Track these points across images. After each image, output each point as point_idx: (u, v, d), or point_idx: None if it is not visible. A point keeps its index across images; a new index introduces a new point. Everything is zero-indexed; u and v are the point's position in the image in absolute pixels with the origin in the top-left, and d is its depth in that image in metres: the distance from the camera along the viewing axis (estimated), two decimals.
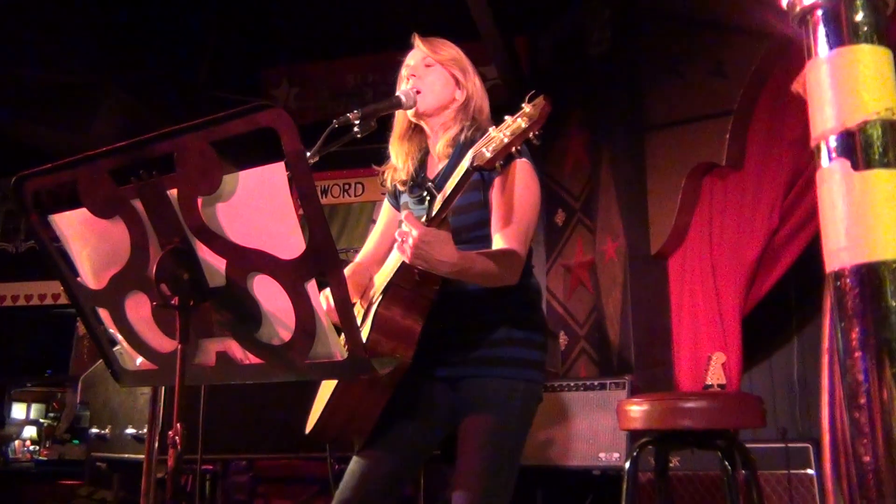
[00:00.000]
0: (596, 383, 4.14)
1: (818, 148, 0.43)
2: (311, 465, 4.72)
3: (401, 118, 2.24)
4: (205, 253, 1.34)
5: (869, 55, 0.42)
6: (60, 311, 6.76)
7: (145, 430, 3.28)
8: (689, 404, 2.50)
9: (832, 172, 0.41)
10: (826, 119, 0.41)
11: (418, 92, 2.11)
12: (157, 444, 2.15)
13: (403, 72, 2.20)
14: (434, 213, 1.81)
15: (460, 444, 1.98)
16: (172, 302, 1.34)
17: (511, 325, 2.02)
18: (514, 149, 1.66)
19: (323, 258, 1.24)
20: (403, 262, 1.86)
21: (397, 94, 2.15)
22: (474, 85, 2.17)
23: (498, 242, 1.94)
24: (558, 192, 5.60)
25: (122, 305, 1.47)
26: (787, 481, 3.44)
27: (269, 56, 6.52)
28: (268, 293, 1.32)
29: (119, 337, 1.52)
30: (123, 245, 1.41)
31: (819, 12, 0.45)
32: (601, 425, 4.01)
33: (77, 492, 4.93)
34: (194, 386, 2.70)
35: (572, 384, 4.21)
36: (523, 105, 1.65)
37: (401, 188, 2.26)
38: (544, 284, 5.48)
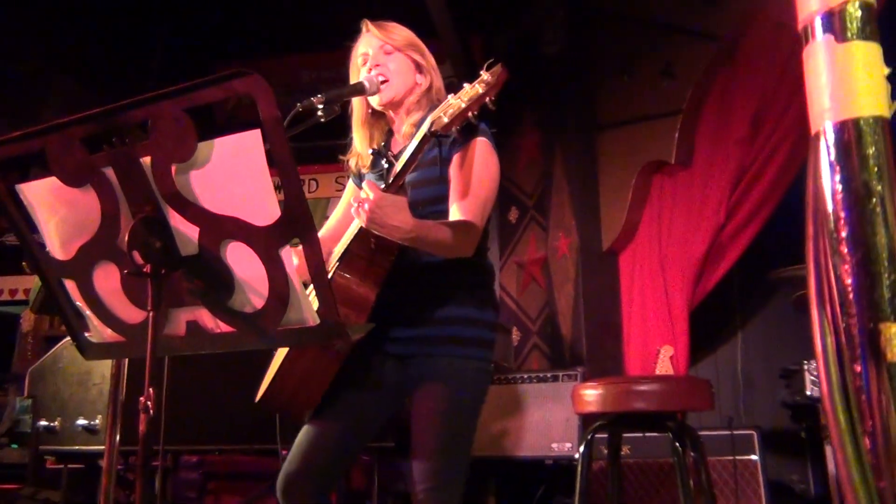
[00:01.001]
0: (549, 375, 4.22)
1: (805, 29, 0.50)
2: (262, 461, 4.69)
3: (359, 104, 2.25)
4: (177, 221, 1.36)
5: None
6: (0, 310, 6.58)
7: (97, 420, 3.23)
8: (642, 387, 2.58)
9: (818, 46, 0.48)
10: (812, 2, 0.48)
11: (385, 81, 2.14)
12: (118, 435, 2.14)
13: (359, 60, 2.22)
14: (392, 179, 1.84)
15: (414, 424, 1.99)
16: (144, 270, 1.35)
17: (464, 304, 2.05)
18: (471, 114, 1.70)
19: (298, 224, 1.27)
20: (360, 230, 1.90)
21: (361, 80, 2.16)
22: (432, 66, 2.21)
23: (455, 214, 1.97)
24: (511, 190, 5.67)
25: (90, 276, 1.47)
26: (732, 466, 3.56)
27: (221, 50, 6.46)
28: (241, 260, 1.33)
29: (86, 309, 1.52)
30: (93, 214, 1.41)
31: None
32: (554, 416, 4.08)
33: (20, 493, 4.81)
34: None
35: (525, 376, 4.28)
36: (481, 73, 1.70)
37: (365, 171, 2.28)
38: (497, 280, 5.55)
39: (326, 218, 2.43)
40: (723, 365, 4.94)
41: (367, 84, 2.15)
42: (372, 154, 2.19)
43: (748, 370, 4.84)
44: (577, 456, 2.85)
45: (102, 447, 3.17)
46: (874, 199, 0.48)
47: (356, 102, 2.26)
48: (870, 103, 0.49)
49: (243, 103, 6.29)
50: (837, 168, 0.49)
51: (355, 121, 2.26)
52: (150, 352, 1.33)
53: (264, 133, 1.23)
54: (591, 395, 2.68)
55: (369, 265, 1.93)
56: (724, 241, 4.41)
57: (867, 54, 0.49)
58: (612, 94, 4.82)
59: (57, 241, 1.47)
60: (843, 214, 0.48)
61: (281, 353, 2.05)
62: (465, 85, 1.72)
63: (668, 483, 3.65)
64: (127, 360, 2.13)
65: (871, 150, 0.48)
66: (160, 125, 1.28)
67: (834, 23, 0.49)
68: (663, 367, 4.49)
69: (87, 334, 1.57)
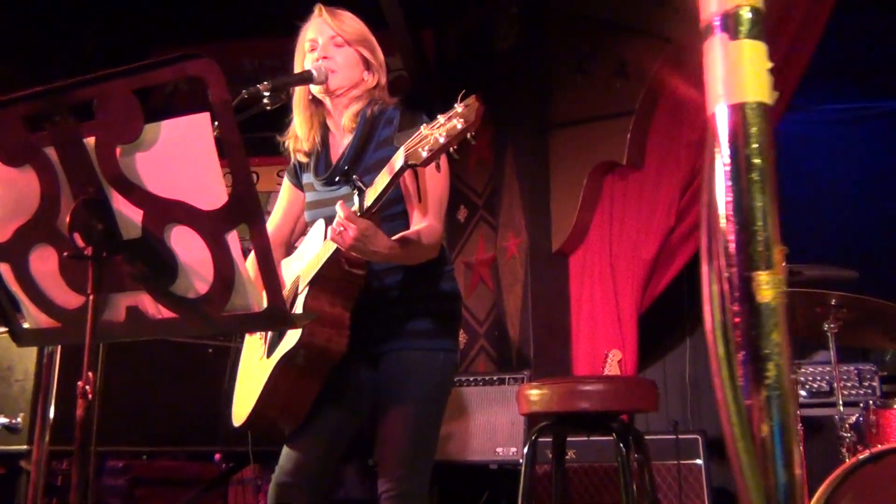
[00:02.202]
0: (495, 378, 4.32)
1: (706, 27, 0.61)
2: (192, 466, 4.68)
3: (300, 92, 2.32)
4: (120, 204, 1.40)
5: None
6: None
7: (19, 419, 3.21)
8: (587, 387, 2.68)
9: (715, 42, 0.59)
10: (712, 4, 0.59)
11: (331, 71, 2.21)
12: (48, 432, 2.14)
13: (306, 45, 2.28)
14: (366, 207, 1.93)
15: (383, 414, 2.12)
16: (85, 252, 1.39)
17: (427, 299, 2.18)
18: (451, 150, 1.76)
19: (246, 208, 1.32)
20: (332, 256, 2.01)
21: (309, 68, 2.23)
22: (380, 62, 2.29)
23: (417, 219, 2.10)
24: (461, 189, 5.76)
25: (26, 259, 1.50)
26: (676, 471, 3.70)
27: (158, 34, 6.41)
28: (186, 244, 1.38)
29: (21, 293, 1.55)
30: (32, 195, 1.44)
31: None
32: (499, 420, 4.18)
33: None
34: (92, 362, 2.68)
35: (471, 379, 4.37)
36: (456, 105, 1.75)
37: (302, 159, 2.35)
38: None
39: (268, 213, 2.48)
40: (671, 369, 5.10)
41: (314, 73, 2.22)
42: (320, 155, 2.31)
43: (697, 375, 5.01)
44: (524, 451, 2.95)
45: (24, 447, 3.15)
46: (754, 171, 0.59)
47: (298, 91, 2.33)
48: (754, 91, 0.61)
49: (180, 90, 6.25)
50: (727, 144, 0.61)
51: (296, 103, 2.33)
52: (90, 336, 1.37)
53: (213, 116, 1.29)
54: (536, 395, 2.77)
55: (341, 284, 2.06)
56: (674, 244, 4.56)
57: (754, 51, 0.61)
58: (566, 93, 4.95)
59: None
60: (729, 183, 0.59)
61: (249, 372, 2.15)
62: (440, 117, 1.77)
63: (613, 487, 3.78)
64: (58, 353, 2.14)
65: (753, 130, 0.60)
66: (107, 105, 1.33)
67: (728, 23, 0.60)
68: (611, 370, 4.61)
69: (21, 321, 1.60)
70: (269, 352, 2.10)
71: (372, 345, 2.18)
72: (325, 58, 2.22)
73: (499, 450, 4.13)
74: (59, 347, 2.11)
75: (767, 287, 0.58)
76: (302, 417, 2.10)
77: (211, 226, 1.34)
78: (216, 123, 1.31)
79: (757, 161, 0.61)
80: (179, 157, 1.34)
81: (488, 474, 4.22)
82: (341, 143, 2.28)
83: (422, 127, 1.79)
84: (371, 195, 1.93)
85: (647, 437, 3.22)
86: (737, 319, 0.57)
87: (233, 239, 1.35)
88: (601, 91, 4.69)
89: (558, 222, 4.99)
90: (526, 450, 2.88)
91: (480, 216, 5.60)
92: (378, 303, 2.16)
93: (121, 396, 3.26)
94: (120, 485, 4.66)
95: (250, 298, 1.38)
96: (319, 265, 2.05)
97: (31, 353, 3.08)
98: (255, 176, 6.25)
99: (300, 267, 2.19)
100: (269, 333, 2.18)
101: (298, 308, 2.03)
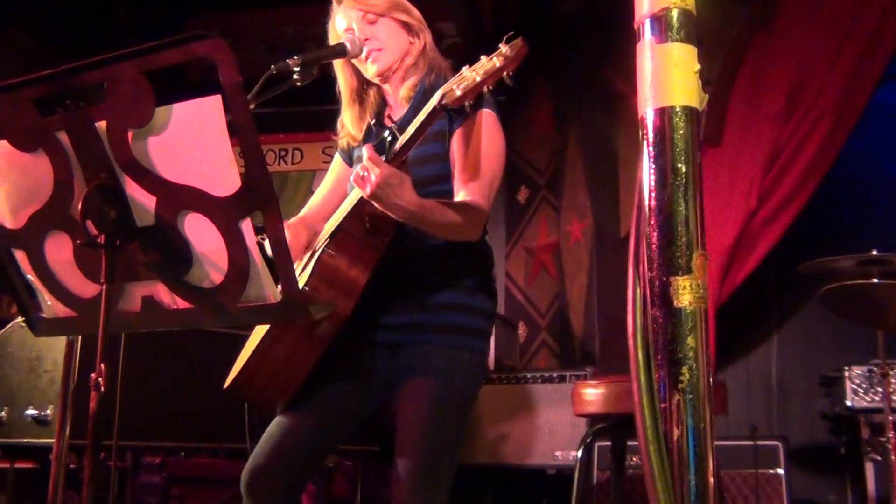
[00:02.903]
0: (555, 375, 4.35)
1: (638, 28, 0.65)
2: (230, 464, 4.83)
3: (348, 80, 2.35)
4: (133, 190, 1.48)
5: None
6: None
7: (49, 411, 3.38)
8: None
9: (645, 44, 0.63)
10: (643, 6, 0.63)
11: (379, 50, 2.23)
12: (68, 426, 2.27)
13: (336, 35, 2.31)
14: (396, 151, 1.95)
15: (400, 415, 2.10)
16: (98, 241, 1.48)
17: (461, 290, 2.17)
18: (486, 88, 1.80)
19: (259, 195, 1.39)
20: (355, 209, 2.02)
21: (342, 41, 2.27)
22: (420, 21, 2.30)
23: (460, 195, 2.08)
24: (521, 167, 5.78)
25: (41, 246, 1.60)
26: (754, 480, 3.69)
27: (195, 2, 6.58)
28: (199, 233, 1.46)
29: (36, 281, 1.66)
30: (46, 181, 1.54)
31: None
32: (559, 421, 4.22)
33: None
34: (111, 352, 2.81)
35: (529, 376, 4.42)
36: (500, 45, 1.80)
37: (354, 145, 2.39)
38: (503, 269, 5.68)
39: (312, 193, 2.54)
40: (755, 368, 5.06)
41: (348, 46, 2.24)
42: (374, 125, 2.30)
43: (783, 376, 4.97)
44: (578, 454, 2.97)
45: (55, 440, 3.33)
46: (677, 176, 0.63)
47: (342, 78, 2.36)
48: (681, 95, 0.64)
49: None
50: (652, 148, 0.64)
51: (344, 98, 2.36)
52: (103, 326, 1.46)
53: (225, 100, 1.36)
54: (592, 394, 2.80)
55: (362, 246, 2.05)
56: (756, 229, 4.52)
57: (682, 54, 0.64)
58: (635, 60, 4.92)
59: (7, 208, 1.60)
60: (653, 188, 0.63)
61: (256, 335, 2.17)
62: (482, 57, 1.82)
63: None
64: (79, 343, 2.27)
65: (678, 134, 0.63)
66: (117, 88, 1.41)
67: (657, 25, 0.64)
68: None
69: (38, 310, 1.71)
70: None
71: (391, 332, 2.17)
72: (366, 39, 2.24)
73: (558, 454, 4.18)
74: (81, 337, 2.24)
75: (685, 292, 0.61)
76: (294, 390, 2.08)
77: (224, 213, 1.42)
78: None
79: (681, 166, 0.65)
80: (191, 141, 1.42)
81: (546, 480, 4.26)
82: (398, 114, 2.29)
83: (464, 68, 1.84)
84: (402, 139, 1.94)
85: (721, 444, 3.23)
86: (654, 325, 0.60)
87: (247, 227, 1.42)
88: None
89: (627, 204, 4.98)
90: (580, 454, 2.91)
91: (542, 197, 5.63)
92: (403, 287, 2.16)
93: (152, 390, 3.41)
94: (156, 482, 4.86)
95: (266, 289, 1.46)
96: (342, 216, 2.06)
97: (60, 342, 3.23)
98: (297, 153, 6.37)
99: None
100: None
101: (311, 264, 2.04)
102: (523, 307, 5.59)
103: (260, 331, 2.15)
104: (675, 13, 0.66)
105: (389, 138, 2.00)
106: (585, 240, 5.07)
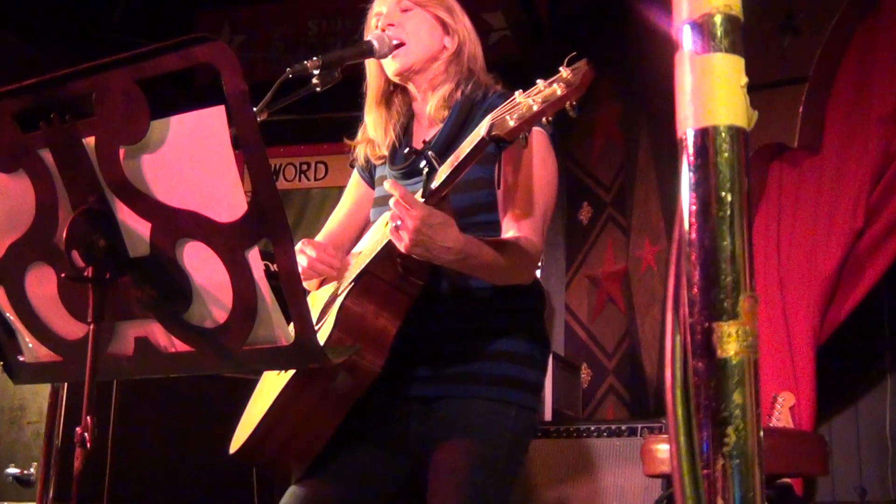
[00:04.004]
0: (624, 427, 4.31)
1: (677, 35, 0.65)
2: None
3: (375, 79, 2.38)
4: (126, 215, 1.51)
5: None
6: None
7: (33, 470, 3.43)
8: None
9: (684, 55, 0.63)
10: (682, 11, 0.63)
11: (400, 44, 2.25)
12: (52, 487, 2.30)
13: (372, 21, 2.34)
14: (435, 186, 1.94)
15: (432, 480, 2.12)
16: (85, 274, 1.51)
17: (507, 336, 2.18)
18: (544, 119, 1.79)
19: (268, 221, 1.41)
20: (384, 249, 2.02)
21: (368, 38, 2.30)
22: (465, 27, 2.33)
23: (509, 229, 2.10)
24: (583, 182, 5.78)
25: (21, 280, 1.64)
26: None
27: None
28: (201, 264, 1.49)
29: (16, 320, 1.69)
30: (27, 206, 1.57)
31: None
32: (630, 482, 4.17)
33: None
34: (102, 400, 2.84)
35: (593, 428, 4.38)
36: (561, 69, 1.78)
37: (376, 162, 2.41)
38: (562, 301, 5.66)
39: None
40: (866, 419, 4.97)
41: (375, 44, 2.27)
42: (401, 145, 2.32)
43: None
44: None
45: None
46: (722, 207, 0.63)
47: (371, 75, 2.39)
48: (726, 113, 0.64)
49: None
50: (693, 174, 0.65)
51: (370, 99, 2.39)
52: (90, 372, 1.49)
53: (229, 111, 1.38)
54: (665, 451, 2.78)
55: (392, 291, 2.07)
56: (863, 252, 4.45)
57: (726, 66, 0.64)
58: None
59: None
60: (694, 219, 0.63)
61: (265, 387, 2.19)
62: (539, 82, 1.81)
63: None
64: (65, 391, 2.30)
65: (723, 158, 0.63)
66: (107, 99, 1.45)
67: (697, 34, 0.64)
68: (781, 420, 4.54)
69: (18, 355, 1.74)
70: None
71: (422, 386, 2.18)
72: (390, 25, 2.26)
73: None
74: (67, 385, 2.27)
75: (730, 340, 0.61)
76: (314, 454, 2.11)
77: (228, 241, 1.44)
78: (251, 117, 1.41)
79: (725, 195, 0.65)
80: (191, 159, 1.45)
81: None
82: (428, 131, 2.32)
83: (516, 93, 1.82)
84: (442, 174, 1.94)
85: None
86: (696, 379, 0.60)
87: (254, 257, 1.44)
88: (764, 52, 4.63)
89: None
90: None
91: (608, 216, 5.61)
92: (440, 333, 2.17)
93: (149, 444, 3.44)
94: None
95: (276, 329, 1.47)
96: (370, 257, 2.07)
97: (45, 389, 3.29)
98: (322, 167, 6.42)
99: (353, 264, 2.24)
100: None
101: (333, 311, 2.05)
102: (586, 346, 5.57)
103: (269, 381, 2.17)
104: (718, 19, 0.66)
105: (427, 168, 1.98)
106: (659, 267, 5.04)
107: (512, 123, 1.77)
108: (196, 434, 3.53)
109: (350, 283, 2.10)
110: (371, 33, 2.31)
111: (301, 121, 5.54)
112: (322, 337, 2.01)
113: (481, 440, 2.11)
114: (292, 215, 6.44)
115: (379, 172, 2.40)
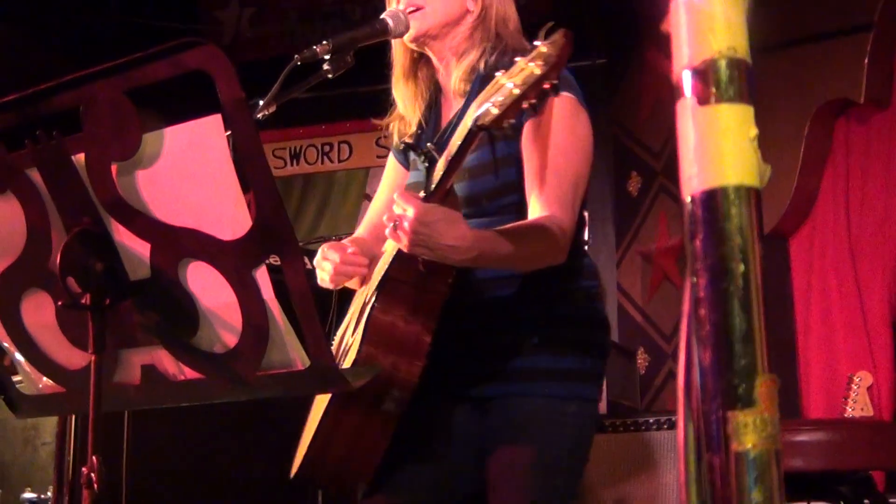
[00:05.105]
0: None
1: (678, 82, 0.63)
2: None
3: (401, 51, 2.35)
4: (123, 236, 1.52)
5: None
6: None
7: (50, 493, 3.48)
8: (802, 437, 2.65)
9: (684, 106, 0.61)
10: (682, 56, 0.60)
11: (417, 8, 2.22)
12: None
13: None
14: (434, 184, 1.94)
15: (491, 484, 2.14)
16: (83, 301, 1.52)
17: (560, 324, 2.18)
18: (527, 104, 1.76)
19: (274, 237, 1.41)
20: (401, 250, 2.00)
21: (382, 17, 2.28)
22: None
23: (534, 208, 2.07)
24: (631, 149, 5.72)
25: (16, 308, 1.65)
26: None
27: None
28: (206, 286, 1.49)
29: (14, 351, 1.71)
30: (17, 229, 1.58)
31: None
32: None
33: None
34: (114, 424, 2.87)
35: (652, 420, 4.35)
36: (537, 42, 1.76)
37: (409, 140, 2.41)
38: (614, 281, 5.63)
39: (367, 197, 2.55)
40: None
41: (390, 22, 2.25)
42: (404, 147, 2.33)
43: None
44: None
45: None
46: (733, 280, 0.61)
47: (397, 49, 2.37)
48: (734, 171, 0.62)
49: (241, 36, 6.49)
50: (700, 242, 0.62)
51: (395, 73, 2.38)
52: (94, 408, 1.50)
53: (225, 119, 1.38)
54: None
55: (419, 293, 2.06)
56: None
57: (733, 117, 0.61)
58: (771, 3, 4.83)
59: None
60: (702, 294, 0.61)
61: (315, 407, 2.22)
62: (518, 59, 1.80)
63: None
64: (73, 418, 2.32)
65: (732, 225, 0.61)
66: (94, 113, 1.45)
67: (700, 82, 0.61)
68: (858, 402, 4.49)
69: (17, 384, 1.76)
70: None
71: (475, 385, 2.19)
72: None
73: None
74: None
75: (747, 431, 0.59)
76: (372, 469, 2.12)
77: (233, 261, 1.44)
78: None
79: (736, 266, 0.63)
80: (188, 172, 1.45)
81: None
82: (454, 106, 2.30)
83: (498, 73, 1.80)
84: (439, 170, 1.93)
85: None
86: (711, 474, 0.59)
87: (262, 277, 1.44)
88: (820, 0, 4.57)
89: (770, 190, 4.89)
90: None
91: (660, 186, 5.56)
92: (483, 327, 2.18)
93: (173, 467, 3.46)
94: None
95: (290, 353, 1.47)
96: (390, 259, 2.08)
97: None
98: (345, 147, 6.41)
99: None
100: (343, 346, 2.25)
101: (361, 325, 2.06)
102: (642, 329, 5.53)
103: (319, 399, 2.21)
104: (722, 64, 0.64)
105: (426, 164, 1.99)
106: None
107: (495, 111, 1.75)
108: (219, 452, 3.54)
109: (374, 290, 2.10)
110: (388, 9, 2.29)
111: (320, 98, 5.52)
112: (352, 353, 2.04)
113: (541, 440, 2.12)
114: (316, 200, 6.44)
115: (413, 156, 2.39)
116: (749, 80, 0.69)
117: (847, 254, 4.64)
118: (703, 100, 0.65)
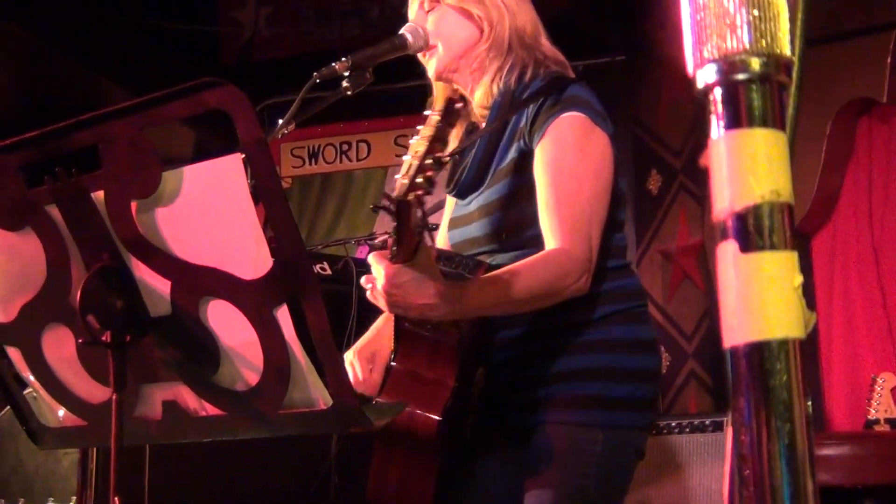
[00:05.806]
0: (708, 422, 4.25)
1: (719, 226, 0.61)
2: None
3: (439, 87, 2.35)
4: (143, 273, 1.51)
5: (761, 139, 0.60)
6: None
7: None
8: (828, 451, 2.62)
9: (725, 253, 0.59)
10: (723, 199, 0.59)
11: (431, 47, 2.23)
12: None
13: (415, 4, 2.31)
14: (395, 247, 1.88)
15: None
16: (103, 338, 1.51)
17: (590, 348, 2.16)
18: (428, 172, 1.76)
19: (295, 276, 1.40)
20: None
21: (401, 31, 2.26)
22: (498, 8, 2.22)
23: (547, 240, 2.06)
24: (650, 147, 5.69)
25: (37, 343, 1.65)
26: None
27: None
28: (227, 323, 1.48)
29: (35, 384, 1.70)
30: (37, 265, 1.58)
31: (718, 91, 0.62)
32: (719, 481, 4.13)
33: None
34: (136, 446, 2.87)
35: (674, 424, 4.33)
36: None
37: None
38: None
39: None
40: None
41: (409, 38, 2.23)
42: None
43: None
44: None
45: None
46: (779, 439, 0.59)
47: (436, 87, 2.35)
48: (779, 324, 0.60)
49: (259, 35, 6.49)
50: (743, 399, 0.60)
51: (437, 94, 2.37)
52: (115, 446, 1.49)
53: (245, 158, 1.37)
54: None
55: (436, 335, 2.08)
56: None
57: (777, 266, 0.59)
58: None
59: None
60: (746, 452, 0.59)
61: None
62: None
63: None
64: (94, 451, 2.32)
65: (777, 381, 0.59)
66: (113, 151, 1.44)
67: (741, 227, 0.59)
68: (882, 404, 4.46)
69: (39, 417, 1.76)
70: None
71: (515, 415, 2.20)
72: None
73: None
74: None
75: None
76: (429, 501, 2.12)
77: (254, 300, 1.43)
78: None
79: (782, 424, 0.61)
80: (208, 210, 1.44)
81: None
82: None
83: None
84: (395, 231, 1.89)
85: None
86: None
87: (283, 316, 1.43)
88: None
89: (801, 185, 4.86)
90: None
91: (680, 185, 5.53)
92: (513, 359, 2.18)
93: (201, 476, 3.45)
94: None
95: (312, 392, 1.46)
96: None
97: None
98: (364, 146, 6.40)
99: None
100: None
101: (385, 374, 2.11)
102: (663, 329, 5.50)
103: None
104: (765, 210, 0.61)
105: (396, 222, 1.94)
106: None
107: (404, 182, 1.78)
108: (239, 481, 3.52)
109: (395, 339, 2.12)
110: (407, 24, 2.27)
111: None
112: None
113: (567, 471, 2.11)
114: (335, 200, 6.43)
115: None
116: (792, 227, 0.66)
117: (870, 253, 4.62)
118: (745, 247, 0.62)
